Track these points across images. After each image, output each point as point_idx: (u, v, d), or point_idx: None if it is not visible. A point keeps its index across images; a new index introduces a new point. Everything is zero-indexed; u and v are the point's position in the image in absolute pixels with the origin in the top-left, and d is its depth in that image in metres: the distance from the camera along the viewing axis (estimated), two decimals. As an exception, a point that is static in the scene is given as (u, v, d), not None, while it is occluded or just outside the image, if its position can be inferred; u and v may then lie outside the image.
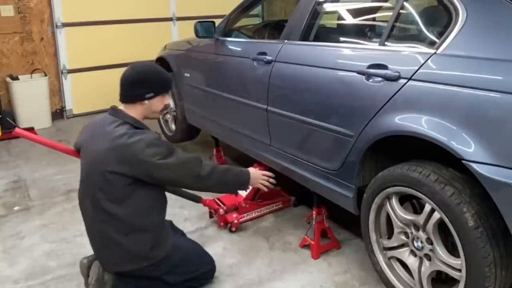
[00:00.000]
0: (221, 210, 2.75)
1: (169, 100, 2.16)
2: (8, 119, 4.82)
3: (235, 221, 2.74)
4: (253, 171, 2.35)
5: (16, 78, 4.97)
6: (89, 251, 2.24)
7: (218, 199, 2.87)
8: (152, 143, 1.93)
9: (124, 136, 1.92)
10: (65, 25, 5.21)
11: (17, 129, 2.46)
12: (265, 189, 2.43)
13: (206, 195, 2.87)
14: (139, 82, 2.04)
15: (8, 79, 4.96)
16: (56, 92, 5.40)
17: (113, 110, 2.07)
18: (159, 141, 1.98)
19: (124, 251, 1.99)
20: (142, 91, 2.03)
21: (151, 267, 2.05)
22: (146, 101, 2.05)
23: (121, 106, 2.08)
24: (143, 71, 2.07)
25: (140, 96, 2.04)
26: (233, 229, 2.73)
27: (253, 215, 2.87)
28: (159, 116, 2.12)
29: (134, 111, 2.05)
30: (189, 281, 2.16)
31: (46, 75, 5.17)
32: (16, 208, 3.16)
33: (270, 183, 2.44)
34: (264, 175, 2.41)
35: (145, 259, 2.02)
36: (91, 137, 2.05)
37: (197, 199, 2.73)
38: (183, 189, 2.70)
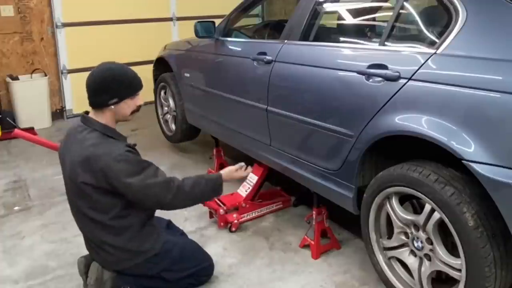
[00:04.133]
0: (221, 210, 2.75)
1: (140, 101, 2.05)
2: (8, 119, 4.83)
3: (235, 221, 2.74)
4: (225, 171, 2.22)
5: (16, 78, 4.97)
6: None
7: (218, 199, 2.87)
8: (118, 158, 1.87)
9: (91, 147, 1.89)
10: (65, 25, 5.21)
11: (16, 130, 2.46)
12: (243, 177, 2.25)
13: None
14: (101, 89, 1.94)
15: (8, 79, 4.96)
16: (56, 92, 5.40)
17: (83, 117, 2.02)
18: (127, 155, 1.89)
19: (118, 250, 2.01)
20: (105, 98, 1.95)
21: (150, 265, 2.07)
22: (112, 107, 1.97)
23: (92, 112, 2.03)
24: (104, 77, 1.95)
25: (104, 102, 1.95)
26: (233, 229, 2.73)
27: (253, 215, 2.87)
28: (130, 119, 2.07)
29: (103, 116, 1.99)
30: (188, 278, 2.17)
31: (46, 75, 5.17)
32: (16, 208, 3.16)
33: (245, 170, 2.32)
34: (237, 169, 2.27)
35: (140, 253, 2.04)
36: (65, 147, 2.04)
37: None
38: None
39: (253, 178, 2.92)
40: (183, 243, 2.24)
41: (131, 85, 2.01)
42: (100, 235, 2.00)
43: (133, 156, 1.93)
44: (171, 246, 2.13)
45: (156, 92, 4.23)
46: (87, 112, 2.04)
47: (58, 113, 5.43)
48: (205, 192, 2.09)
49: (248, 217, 2.84)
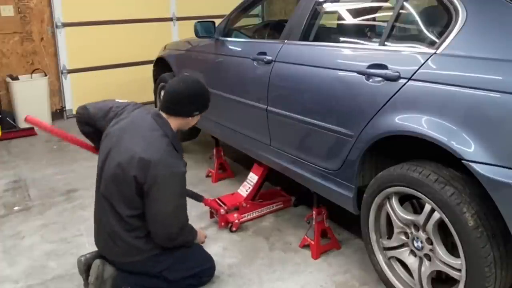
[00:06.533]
0: (222, 210, 2.75)
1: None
2: (8, 119, 4.83)
3: (236, 221, 2.74)
4: (200, 232, 2.37)
5: (16, 78, 4.97)
6: (88, 250, 2.25)
7: (219, 199, 2.87)
8: (176, 174, 1.98)
9: (157, 152, 1.95)
10: (65, 25, 5.22)
11: (28, 117, 2.43)
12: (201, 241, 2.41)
13: (208, 195, 2.87)
14: (193, 100, 2.10)
15: (8, 79, 4.96)
16: (56, 92, 5.40)
17: (159, 117, 2.09)
18: (183, 177, 2.02)
19: (125, 244, 2.05)
20: (191, 109, 2.11)
21: (152, 263, 2.09)
22: (190, 118, 2.13)
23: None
24: (197, 89, 2.12)
25: (188, 112, 2.11)
26: (234, 229, 2.73)
27: (254, 215, 2.87)
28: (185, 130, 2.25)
29: (174, 122, 2.10)
30: (189, 279, 2.17)
31: (46, 75, 5.18)
32: (16, 208, 3.16)
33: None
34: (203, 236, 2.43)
35: (144, 251, 2.08)
36: (128, 134, 2.05)
37: (199, 198, 2.72)
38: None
39: (253, 178, 2.92)
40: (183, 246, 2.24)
41: (209, 102, 2.20)
42: (114, 225, 2.03)
43: (184, 181, 2.04)
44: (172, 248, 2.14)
45: (156, 92, 4.23)
46: (160, 113, 2.11)
47: (58, 113, 5.43)
48: (190, 240, 2.23)
49: (249, 217, 2.84)
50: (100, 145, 2.16)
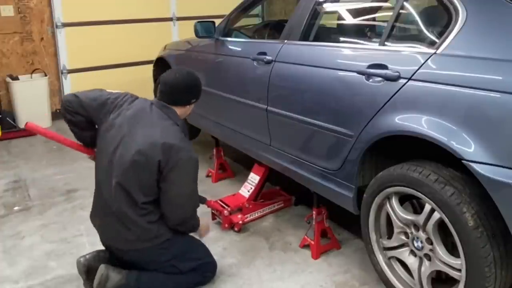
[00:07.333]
0: (225, 212, 2.74)
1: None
2: (8, 119, 4.83)
3: (240, 222, 2.75)
4: (203, 224, 2.37)
5: (16, 78, 4.97)
6: (88, 250, 2.25)
7: (221, 200, 2.86)
8: (195, 160, 2.09)
9: (175, 139, 2.05)
10: (65, 25, 5.22)
11: (28, 124, 2.36)
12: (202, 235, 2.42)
13: (208, 195, 2.87)
14: (192, 89, 2.23)
15: (8, 79, 4.96)
16: (56, 92, 5.40)
17: (165, 107, 2.17)
18: (197, 162, 2.12)
19: (139, 228, 2.07)
20: (190, 97, 2.23)
21: (162, 250, 2.11)
22: (188, 106, 2.24)
23: None
24: (192, 79, 2.24)
25: (188, 101, 2.23)
26: (236, 229, 2.73)
27: (257, 215, 2.87)
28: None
29: (177, 112, 2.20)
30: (194, 272, 2.19)
31: (46, 75, 5.18)
32: (16, 208, 3.16)
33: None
34: (205, 229, 2.44)
35: (155, 237, 2.10)
36: (139, 123, 2.10)
37: (202, 200, 2.71)
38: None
39: (254, 179, 2.92)
40: (189, 236, 2.28)
41: (201, 90, 2.32)
42: (126, 211, 2.05)
43: (198, 166, 2.15)
44: (180, 235, 2.19)
45: (156, 92, 4.23)
46: (165, 104, 2.19)
47: (58, 113, 5.42)
48: (196, 225, 2.28)
49: (252, 217, 2.84)
50: (106, 136, 2.15)
